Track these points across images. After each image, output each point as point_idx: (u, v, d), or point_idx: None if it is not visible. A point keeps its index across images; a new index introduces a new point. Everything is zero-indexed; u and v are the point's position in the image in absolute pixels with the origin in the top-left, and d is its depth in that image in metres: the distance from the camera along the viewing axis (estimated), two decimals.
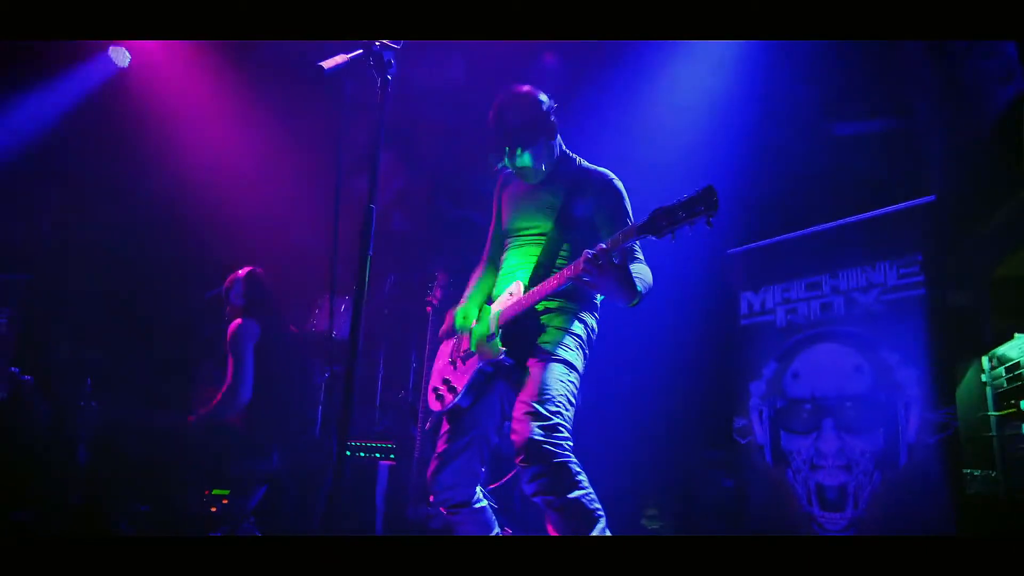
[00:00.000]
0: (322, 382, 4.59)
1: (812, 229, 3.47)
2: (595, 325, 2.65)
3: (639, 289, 2.34)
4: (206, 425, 3.63)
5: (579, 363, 2.51)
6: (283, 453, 3.73)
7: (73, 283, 5.65)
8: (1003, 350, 3.65)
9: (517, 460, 2.31)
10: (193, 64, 5.64)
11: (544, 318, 2.55)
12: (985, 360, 3.81)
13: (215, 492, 3.53)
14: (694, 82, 4.32)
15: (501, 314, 2.56)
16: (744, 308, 3.66)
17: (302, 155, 5.70)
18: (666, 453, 4.22)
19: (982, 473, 3.43)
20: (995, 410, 3.72)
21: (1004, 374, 3.58)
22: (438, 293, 3.97)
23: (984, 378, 3.78)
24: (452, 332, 2.79)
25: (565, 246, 2.58)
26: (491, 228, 2.94)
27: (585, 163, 2.72)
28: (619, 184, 2.62)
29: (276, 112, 5.74)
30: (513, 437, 2.34)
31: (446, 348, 2.81)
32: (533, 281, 2.53)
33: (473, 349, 2.61)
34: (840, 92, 4.74)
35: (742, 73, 4.43)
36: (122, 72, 5.71)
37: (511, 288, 2.60)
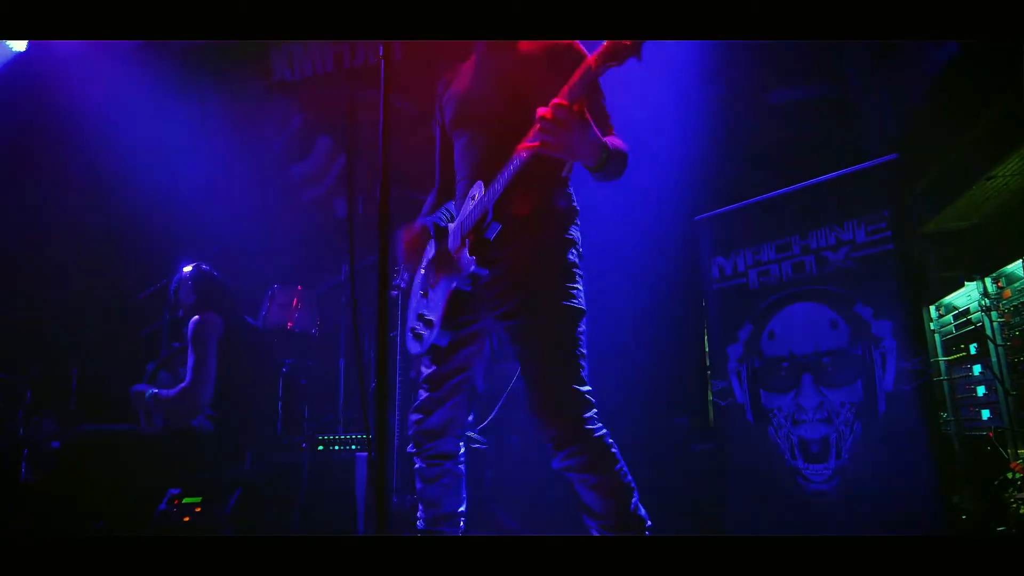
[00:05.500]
0: (280, 376, 4.40)
1: (778, 192, 3.55)
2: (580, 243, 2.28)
3: (606, 143, 1.96)
4: (169, 429, 3.42)
5: (583, 302, 2.19)
6: (255, 453, 3.56)
7: None
8: (950, 299, 3.87)
9: (547, 441, 2.06)
10: (110, 54, 5.26)
11: (530, 240, 2.17)
12: (932, 309, 4.03)
13: (186, 501, 3.33)
14: (651, 77, 4.43)
15: (465, 221, 2.23)
16: (715, 273, 3.72)
17: (229, 141, 5.42)
18: (639, 423, 4.27)
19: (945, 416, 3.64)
20: (944, 355, 3.95)
21: (952, 321, 3.80)
22: (406, 276, 3.84)
23: (932, 326, 4.00)
24: (413, 260, 2.51)
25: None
26: (438, 145, 2.56)
27: None
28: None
29: (197, 100, 5.43)
30: (539, 415, 2.07)
31: (416, 282, 2.52)
32: (493, 175, 2.13)
33: (440, 270, 2.27)
34: (773, 63, 4.88)
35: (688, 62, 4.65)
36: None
37: (471, 192, 2.25)
